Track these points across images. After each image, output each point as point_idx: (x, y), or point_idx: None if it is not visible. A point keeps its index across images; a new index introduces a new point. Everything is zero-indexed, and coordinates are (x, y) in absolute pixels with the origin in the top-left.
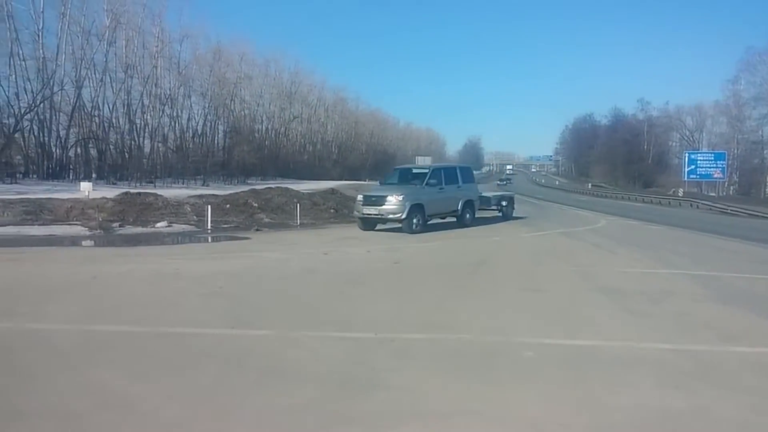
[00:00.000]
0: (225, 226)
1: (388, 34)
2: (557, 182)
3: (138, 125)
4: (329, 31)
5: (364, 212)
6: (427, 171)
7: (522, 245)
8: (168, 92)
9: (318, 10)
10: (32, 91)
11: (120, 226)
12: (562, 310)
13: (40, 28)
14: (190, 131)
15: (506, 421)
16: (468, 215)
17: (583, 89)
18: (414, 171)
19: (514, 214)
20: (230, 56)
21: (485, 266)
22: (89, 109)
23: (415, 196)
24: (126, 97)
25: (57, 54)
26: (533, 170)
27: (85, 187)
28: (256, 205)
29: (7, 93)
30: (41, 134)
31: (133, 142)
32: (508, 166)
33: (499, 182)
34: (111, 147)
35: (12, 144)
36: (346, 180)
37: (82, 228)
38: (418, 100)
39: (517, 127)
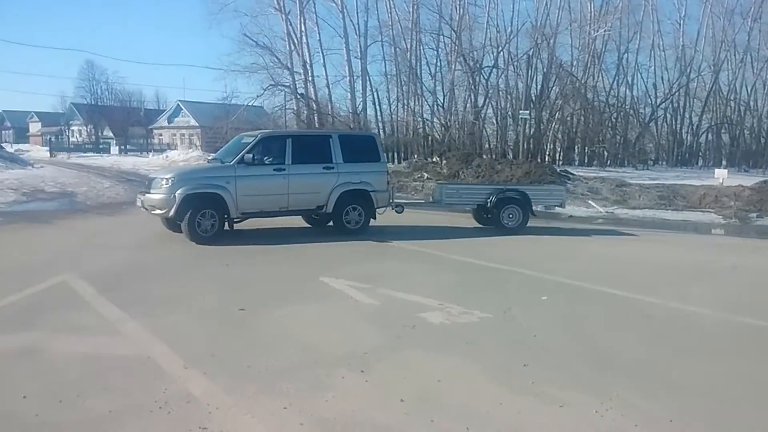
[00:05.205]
0: None
1: None
2: None
3: None
4: None
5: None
6: (252, 140)
7: None
8: None
9: None
10: (668, 80)
11: (758, 216)
12: None
13: (682, 16)
14: None
15: None
16: (355, 215)
17: None
18: (243, 141)
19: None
20: None
21: None
22: (725, 93)
23: (200, 180)
24: (767, 76)
25: (696, 39)
26: None
27: (720, 174)
28: None
29: (645, 84)
30: (673, 122)
31: None
32: None
33: None
34: (746, 132)
35: (645, 132)
36: None
37: (716, 216)
38: None
39: None
